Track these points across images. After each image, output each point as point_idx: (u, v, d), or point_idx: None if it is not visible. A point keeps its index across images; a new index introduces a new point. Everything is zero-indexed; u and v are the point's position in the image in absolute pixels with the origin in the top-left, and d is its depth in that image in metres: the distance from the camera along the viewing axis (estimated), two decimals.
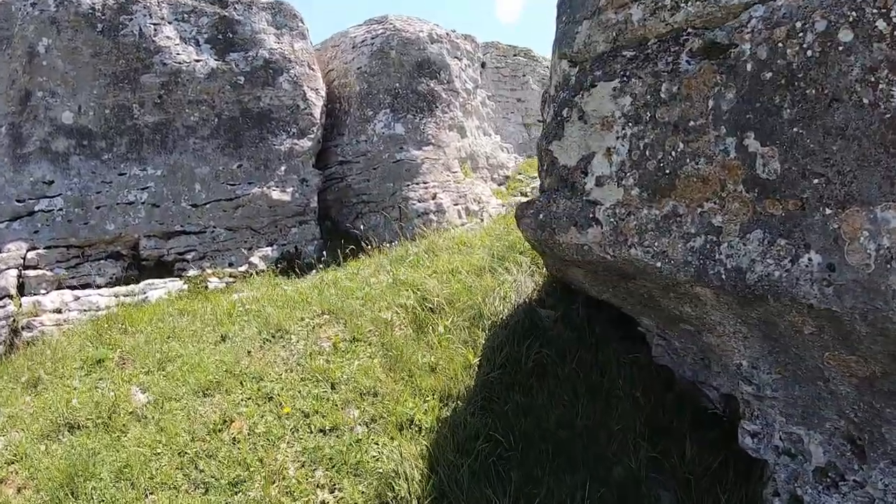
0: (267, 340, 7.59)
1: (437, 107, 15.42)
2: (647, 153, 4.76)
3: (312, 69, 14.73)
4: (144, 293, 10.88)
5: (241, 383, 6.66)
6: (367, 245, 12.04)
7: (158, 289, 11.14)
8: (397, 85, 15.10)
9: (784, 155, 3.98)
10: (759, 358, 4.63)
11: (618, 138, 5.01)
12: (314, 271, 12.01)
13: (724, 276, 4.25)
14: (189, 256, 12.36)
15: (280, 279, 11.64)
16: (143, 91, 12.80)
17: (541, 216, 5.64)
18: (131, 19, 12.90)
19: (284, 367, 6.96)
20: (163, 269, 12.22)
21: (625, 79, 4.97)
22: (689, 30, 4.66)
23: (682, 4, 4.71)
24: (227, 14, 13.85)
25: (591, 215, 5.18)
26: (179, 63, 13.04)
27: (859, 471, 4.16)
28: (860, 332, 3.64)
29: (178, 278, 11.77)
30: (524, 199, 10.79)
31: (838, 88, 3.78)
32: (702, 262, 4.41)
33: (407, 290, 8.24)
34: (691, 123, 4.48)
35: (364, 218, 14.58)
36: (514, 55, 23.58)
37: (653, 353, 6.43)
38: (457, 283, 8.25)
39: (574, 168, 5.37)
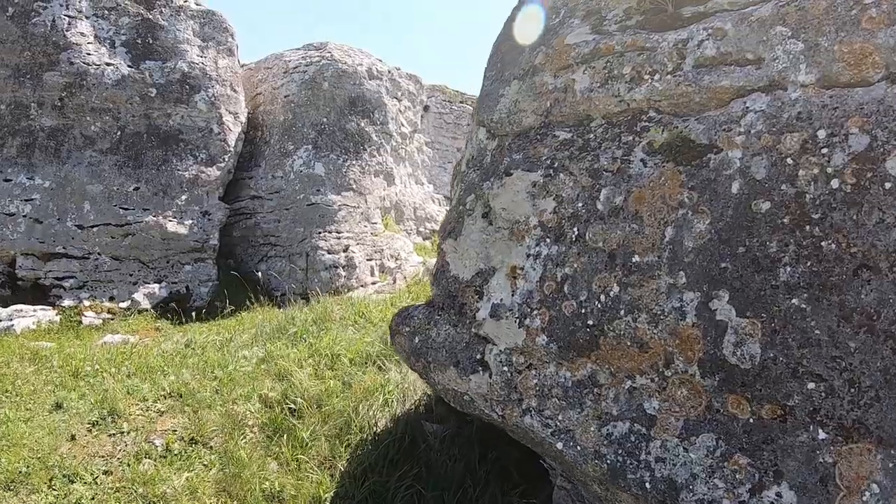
0: (97, 423, 6.41)
1: (365, 149, 13.75)
2: (565, 289, 3.16)
3: (235, 90, 13.02)
4: (10, 320, 9.38)
5: (50, 481, 5.48)
6: (266, 294, 10.99)
7: (27, 317, 9.60)
8: (325, 120, 13.37)
9: (771, 336, 2.48)
10: None
11: (529, 256, 3.40)
12: (198, 321, 10.62)
13: (648, 486, 2.78)
14: (67, 284, 10.72)
15: (162, 323, 10.39)
16: (44, 90, 11.14)
17: (416, 340, 3.97)
18: (46, 7, 11.25)
19: (104, 467, 5.74)
20: (39, 293, 10.60)
21: (552, 172, 3.39)
22: (652, 113, 3.14)
23: (647, 77, 3.19)
24: (150, 17, 12.20)
25: (478, 356, 3.55)
26: (88, 64, 11.36)
27: None
28: None
29: (51, 307, 10.17)
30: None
31: (875, 250, 2.31)
32: (621, 458, 2.92)
33: (273, 379, 7.15)
34: (636, 259, 2.91)
35: (269, 262, 12.79)
36: (461, 102, 22.34)
37: (554, 496, 4.75)
38: (333, 376, 7.05)
39: (467, 284, 3.73)
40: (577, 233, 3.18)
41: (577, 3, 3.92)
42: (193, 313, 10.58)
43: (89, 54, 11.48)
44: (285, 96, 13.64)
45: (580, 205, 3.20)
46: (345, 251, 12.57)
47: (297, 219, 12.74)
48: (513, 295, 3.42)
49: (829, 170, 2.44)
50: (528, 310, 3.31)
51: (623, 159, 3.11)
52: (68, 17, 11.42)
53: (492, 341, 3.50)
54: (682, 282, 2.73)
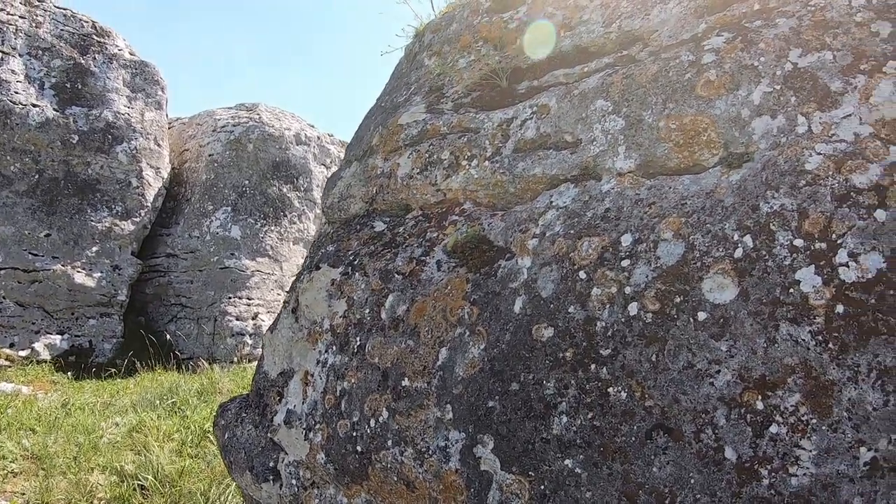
0: None
1: (285, 215, 13.15)
2: (342, 405, 2.49)
3: (159, 145, 12.57)
4: None
5: None
6: (173, 356, 10.70)
7: None
8: (246, 182, 12.84)
9: (540, 501, 1.81)
10: None
11: (318, 363, 2.75)
12: (97, 378, 10.20)
13: None
14: None
15: (59, 376, 9.88)
16: None
17: (226, 435, 3.27)
18: None
19: None
20: None
21: (349, 270, 2.76)
22: (468, 205, 2.57)
23: (465, 162, 2.61)
24: (83, 62, 11.89)
25: (271, 463, 2.85)
26: (14, 103, 10.95)
27: None
28: None
29: None
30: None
31: (678, 406, 1.67)
32: None
33: (135, 451, 6.63)
34: (405, 382, 2.24)
35: (178, 323, 12.09)
36: None
37: None
38: (197, 454, 6.52)
39: (272, 383, 3.08)
40: (359, 343, 2.51)
41: (427, 77, 3.39)
42: (94, 369, 10.14)
43: (17, 93, 11.13)
44: (210, 155, 13.14)
45: (367, 311, 2.54)
46: (253, 319, 11.80)
47: (209, 281, 12.03)
48: (303, 403, 2.74)
49: (628, 290, 1.82)
50: (313, 422, 2.62)
51: (419, 260, 2.47)
52: (2, 52, 11.13)
53: (283, 450, 2.80)
54: (449, 417, 2.05)
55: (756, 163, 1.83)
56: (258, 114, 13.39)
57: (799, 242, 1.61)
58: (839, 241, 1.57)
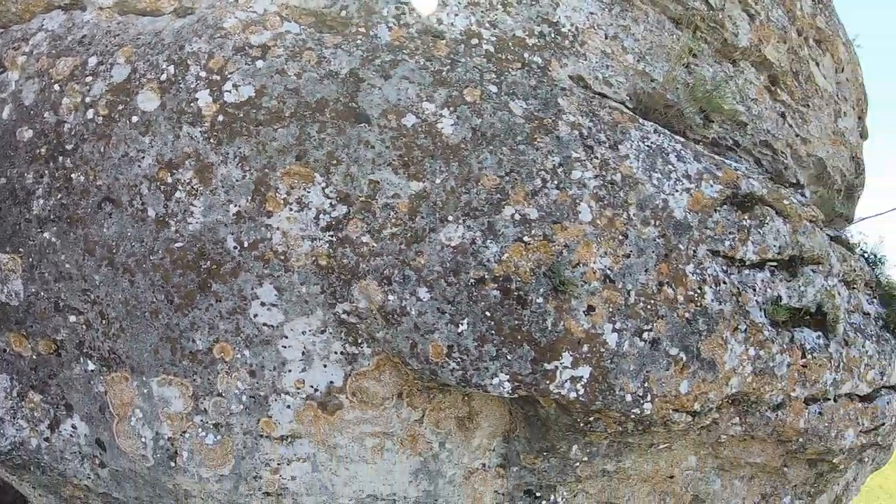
0: None
1: None
2: None
3: None
4: None
5: None
6: None
7: None
8: None
9: (30, 271, 2.44)
10: None
11: None
12: None
13: None
14: None
15: None
16: None
17: None
18: None
19: None
20: None
21: None
22: None
23: None
24: None
25: None
26: None
27: None
28: None
29: None
30: None
31: (118, 184, 2.32)
32: None
33: None
34: None
35: None
36: None
37: None
38: None
39: None
40: None
41: None
42: None
43: None
44: None
45: None
46: None
47: None
48: None
49: (88, 99, 2.37)
50: None
51: None
52: None
53: None
54: None
55: (195, 16, 2.45)
56: None
57: (203, 74, 2.30)
58: (228, 76, 2.29)
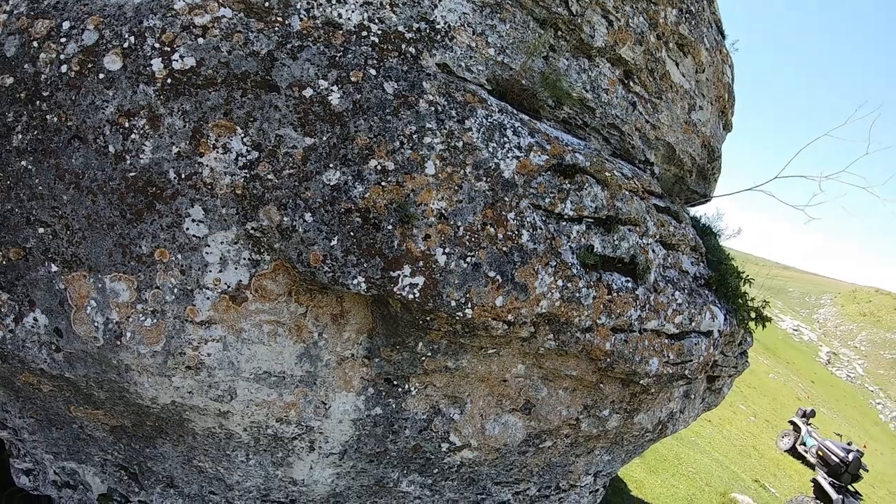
0: None
1: None
2: None
3: None
4: None
5: None
6: None
7: None
8: None
9: (8, 192, 3.07)
10: (8, 403, 3.81)
11: None
12: None
13: None
14: None
15: None
16: None
17: None
18: None
19: None
20: None
21: None
22: None
23: None
24: None
25: None
26: None
27: (140, 492, 3.95)
28: (99, 396, 3.28)
29: None
30: None
31: (85, 125, 2.99)
32: None
33: None
34: None
35: None
36: None
37: None
38: None
39: None
40: None
41: None
42: None
43: None
44: None
45: None
46: None
47: None
48: None
49: (63, 56, 3.03)
50: None
51: None
52: None
53: None
54: None
55: None
56: None
57: (157, 45, 2.97)
58: (176, 48, 2.98)
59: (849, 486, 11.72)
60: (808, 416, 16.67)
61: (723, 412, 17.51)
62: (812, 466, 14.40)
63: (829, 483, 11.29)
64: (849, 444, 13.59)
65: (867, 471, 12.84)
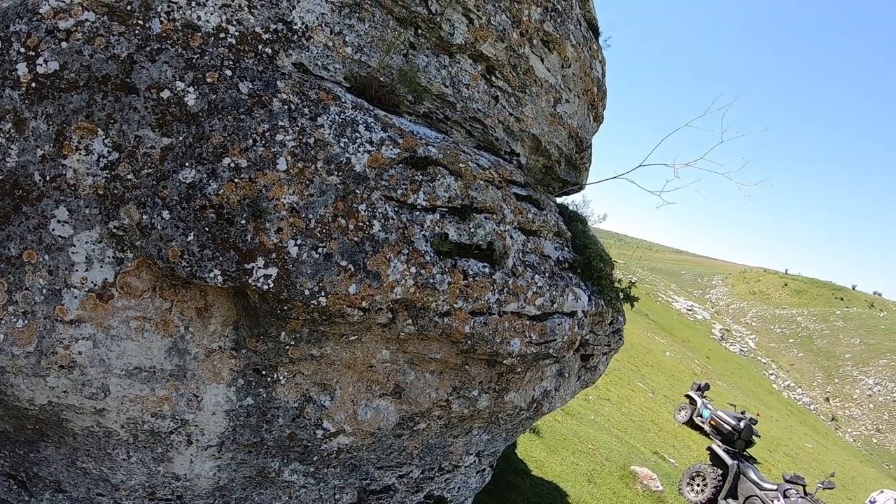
0: None
1: None
2: None
3: None
4: None
5: None
6: None
7: None
8: None
9: None
10: None
11: None
12: None
13: None
14: None
15: None
16: None
17: None
18: None
19: None
20: None
21: None
22: None
23: None
24: None
25: None
26: None
27: (31, 500, 3.85)
28: None
29: None
30: None
31: None
32: None
33: None
34: None
35: None
36: None
37: None
38: None
39: None
40: None
41: None
42: None
43: None
44: None
45: None
46: None
47: None
48: None
49: None
50: None
51: None
52: None
53: None
54: None
55: (19, 1, 3.05)
56: None
57: (22, 49, 2.93)
58: (41, 53, 2.96)
59: (743, 452, 12.47)
60: (702, 389, 17.68)
61: (621, 390, 18.35)
62: (708, 436, 15.28)
63: (724, 450, 11.96)
64: (742, 412, 14.48)
65: (759, 437, 13.72)
